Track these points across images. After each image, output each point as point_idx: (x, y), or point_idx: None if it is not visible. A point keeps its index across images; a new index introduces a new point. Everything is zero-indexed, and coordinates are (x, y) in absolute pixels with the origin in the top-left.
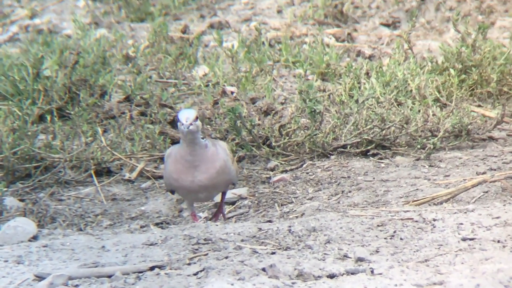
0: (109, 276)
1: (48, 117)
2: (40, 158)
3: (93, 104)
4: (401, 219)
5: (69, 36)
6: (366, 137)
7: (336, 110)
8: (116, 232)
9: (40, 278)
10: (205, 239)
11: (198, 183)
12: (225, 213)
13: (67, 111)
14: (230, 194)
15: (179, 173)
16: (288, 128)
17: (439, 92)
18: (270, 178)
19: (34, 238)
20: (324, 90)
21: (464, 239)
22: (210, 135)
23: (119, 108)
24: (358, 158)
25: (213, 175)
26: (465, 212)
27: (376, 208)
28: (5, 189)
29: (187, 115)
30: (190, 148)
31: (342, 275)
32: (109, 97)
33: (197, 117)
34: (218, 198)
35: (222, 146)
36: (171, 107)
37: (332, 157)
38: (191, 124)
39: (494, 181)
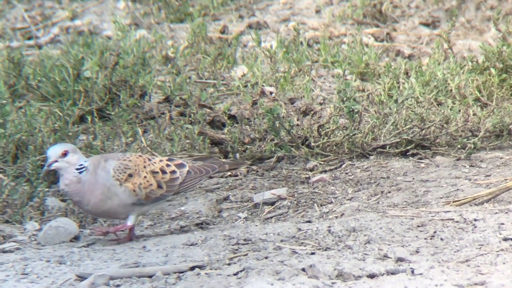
0: (150, 276)
1: (89, 118)
2: None
3: (133, 105)
4: (442, 220)
5: (109, 37)
6: (405, 137)
7: (375, 110)
8: (156, 232)
9: (82, 278)
10: (244, 239)
11: (89, 212)
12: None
13: (108, 112)
14: (269, 195)
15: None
16: (327, 128)
17: (479, 91)
18: (309, 178)
19: (76, 238)
20: (363, 90)
21: (505, 239)
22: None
23: (159, 109)
24: (397, 158)
25: (97, 204)
26: (507, 212)
27: (416, 208)
28: (47, 189)
29: (50, 153)
30: (65, 182)
31: (382, 275)
32: (149, 98)
33: (65, 153)
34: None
35: (107, 168)
36: (210, 108)
37: (371, 157)
38: (55, 161)
39: None
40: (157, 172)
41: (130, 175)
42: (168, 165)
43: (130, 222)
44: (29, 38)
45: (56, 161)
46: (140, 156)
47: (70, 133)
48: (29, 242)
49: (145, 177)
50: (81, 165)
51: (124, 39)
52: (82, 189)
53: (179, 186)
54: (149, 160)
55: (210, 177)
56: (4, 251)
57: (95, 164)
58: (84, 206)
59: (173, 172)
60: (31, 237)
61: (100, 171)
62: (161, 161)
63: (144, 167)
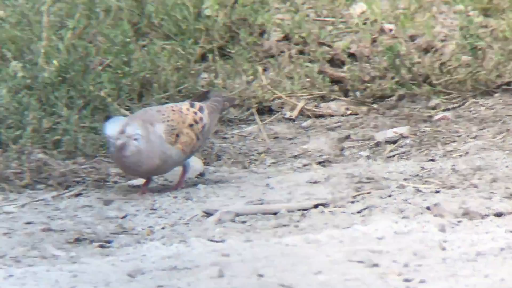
0: (275, 213)
1: (210, 56)
2: None
3: (252, 43)
4: None
5: None
6: None
7: (499, 47)
8: (279, 170)
9: (208, 214)
10: (367, 178)
11: (144, 174)
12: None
13: (228, 50)
14: (391, 133)
15: (122, 169)
16: (449, 66)
17: None
18: (431, 116)
19: (201, 175)
20: (486, 26)
21: None
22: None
23: (278, 47)
24: None
25: (152, 168)
26: None
27: None
28: None
29: (109, 132)
30: (126, 154)
31: (510, 214)
32: (268, 36)
33: (123, 130)
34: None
35: (158, 133)
36: (329, 46)
37: (496, 95)
38: (118, 139)
39: None
40: (193, 124)
41: (177, 135)
42: (195, 112)
43: (186, 171)
44: None
45: (118, 138)
46: (172, 109)
47: (193, 71)
48: (156, 178)
49: (187, 133)
50: (137, 133)
51: None
52: (141, 158)
53: (208, 132)
54: (180, 111)
55: (222, 111)
56: (133, 186)
57: (144, 128)
58: (136, 171)
59: (201, 119)
60: None
61: (152, 137)
62: (188, 109)
63: (183, 122)
